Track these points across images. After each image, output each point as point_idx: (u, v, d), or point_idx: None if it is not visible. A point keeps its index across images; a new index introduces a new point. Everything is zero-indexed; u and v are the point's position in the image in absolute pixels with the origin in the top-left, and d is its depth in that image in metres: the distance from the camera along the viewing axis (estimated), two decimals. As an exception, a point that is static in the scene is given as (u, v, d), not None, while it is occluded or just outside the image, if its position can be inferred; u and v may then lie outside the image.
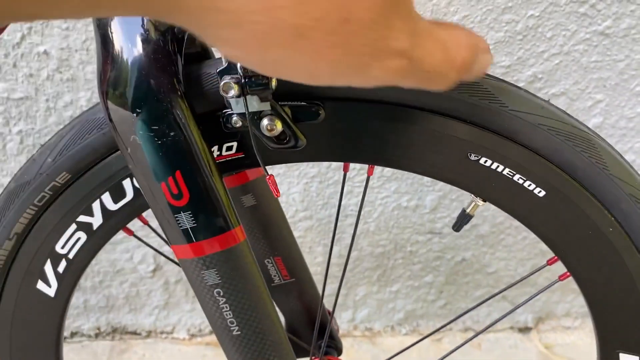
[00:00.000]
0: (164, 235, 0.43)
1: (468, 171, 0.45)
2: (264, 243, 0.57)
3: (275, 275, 0.60)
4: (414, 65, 0.26)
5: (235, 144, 0.45)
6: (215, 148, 0.45)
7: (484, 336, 1.19)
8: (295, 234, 1.02)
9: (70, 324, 1.07)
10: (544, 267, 0.53)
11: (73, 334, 1.09)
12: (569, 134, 0.44)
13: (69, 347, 1.08)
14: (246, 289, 0.44)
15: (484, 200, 0.47)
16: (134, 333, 1.10)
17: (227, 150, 0.45)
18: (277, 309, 0.60)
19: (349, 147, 0.45)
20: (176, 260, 0.44)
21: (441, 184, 0.99)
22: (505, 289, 0.63)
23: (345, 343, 1.14)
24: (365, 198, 1.00)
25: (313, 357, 0.62)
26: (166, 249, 0.57)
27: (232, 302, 0.44)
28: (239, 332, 0.45)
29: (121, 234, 0.97)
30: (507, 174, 0.45)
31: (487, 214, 1.04)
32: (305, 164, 0.94)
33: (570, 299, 1.19)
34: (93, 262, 1.01)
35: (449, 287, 1.14)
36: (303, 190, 0.97)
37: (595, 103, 0.93)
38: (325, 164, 0.94)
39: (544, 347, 1.18)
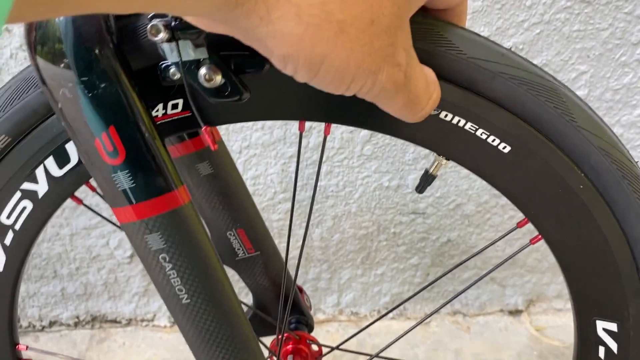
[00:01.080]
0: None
1: (427, 126, 0.42)
2: (224, 214, 0.55)
3: (239, 249, 0.57)
4: (406, 82, 0.30)
5: (180, 101, 0.42)
6: (159, 106, 0.42)
7: (473, 319, 1.17)
8: (275, 216, 1.00)
9: (48, 313, 1.05)
10: (513, 229, 0.51)
11: (52, 323, 1.06)
12: (533, 83, 0.41)
13: (48, 336, 1.06)
14: (193, 253, 0.41)
15: (447, 159, 0.45)
16: (114, 321, 1.07)
17: (172, 109, 0.43)
18: (241, 282, 0.58)
19: (301, 104, 0.43)
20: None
21: (422, 162, 0.97)
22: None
23: (331, 328, 1.12)
24: (346, 178, 0.97)
25: (283, 334, 0.60)
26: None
27: (179, 268, 0.41)
28: (188, 300, 0.42)
29: (96, 218, 0.95)
30: (469, 128, 0.43)
31: (472, 192, 1.02)
32: (282, 143, 0.92)
33: (561, 280, 1.17)
34: (68, 248, 0.99)
35: (435, 269, 1.11)
36: (281, 171, 0.94)
37: (579, 75, 0.90)
38: (303, 143, 0.92)
39: (535, 330, 1.16)
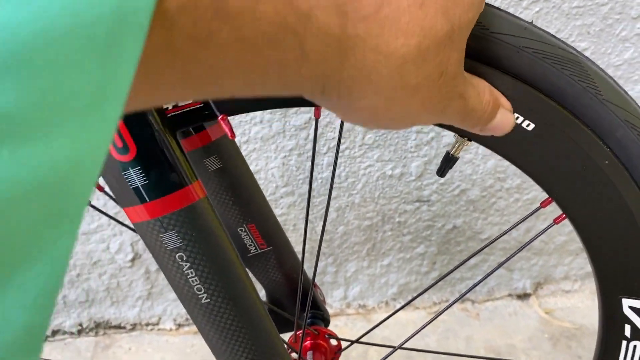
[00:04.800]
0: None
1: (448, 106, 0.41)
2: (235, 210, 0.53)
3: (250, 245, 0.55)
4: (467, 105, 0.31)
5: (189, 93, 0.40)
6: (168, 99, 0.40)
7: (482, 305, 1.16)
8: (278, 211, 0.98)
9: (51, 322, 1.02)
10: (537, 210, 0.49)
11: (54, 332, 1.04)
12: (557, 56, 0.40)
13: (51, 345, 1.03)
14: (211, 251, 0.40)
15: (469, 140, 0.43)
16: (118, 327, 1.05)
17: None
18: (254, 279, 0.57)
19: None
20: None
21: (425, 148, 0.95)
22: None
23: (339, 322, 1.11)
24: (348, 169, 0.96)
25: (299, 329, 0.58)
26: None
27: (197, 266, 0.39)
28: (207, 300, 0.41)
29: (95, 223, 0.92)
30: (492, 107, 0.41)
31: (476, 177, 1.00)
32: (281, 137, 0.90)
33: (569, 262, 1.16)
34: (68, 255, 0.96)
35: (441, 257, 1.10)
36: (282, 164, 0.92)
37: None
38: (303, 135, 0.90)
39: (544, 313, 1.15)
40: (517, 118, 0.41)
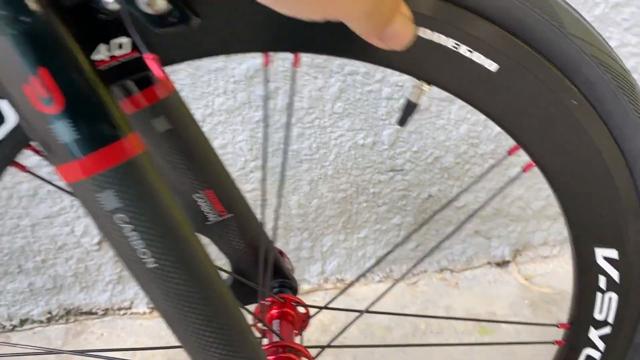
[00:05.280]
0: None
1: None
2: (189, 175, 0.50)
3: (209, 212, 0.53)
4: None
5: (125, 40, 0.37)
6: (102, 48, 0.37)
7: (461, 274, 1.14)
8: (248, 186, 0.96)
9: (18, 311, 0.99)
10: (504, 158, 0.47)
11: (23, 322, 1.00)
12: (516, -12, 0.37)
13: (20, 335, 1.00)
14: (154, 211, 0.37)
15: (429, 84, 0.41)
16: (89, 313, 1.02)
17: (118, 49, 0.37)
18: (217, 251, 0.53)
19: (265, 32, 0.38)
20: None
21: (396, 116, 0.93)
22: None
23: (317, 297, 1.09)
24: (319, 139, 0.93)
25: (266, 298, 0.56)
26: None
27: (140, 228, 0.36)
28: (155, 265, 0.38)
29: (57, 205, 0.88)
30: (452, 46, 0.39)
31: (449, 144, 0.98)
32: (247, 108, 0.86)
33: (547, 227, 1.15)
34: (31, 240, 0.92)
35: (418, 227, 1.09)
36: (250, 137, 0.89)
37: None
38: (270, 105, 0.87)
39: (523, 279, 1.15)
40: (479, 57, 0.39)
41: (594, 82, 0.40)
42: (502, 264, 1.17)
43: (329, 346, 0.54)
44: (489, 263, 1.16)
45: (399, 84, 0.90)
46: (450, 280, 1.13)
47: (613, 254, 0.48)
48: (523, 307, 1.07)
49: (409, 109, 0.42)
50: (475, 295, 1.10)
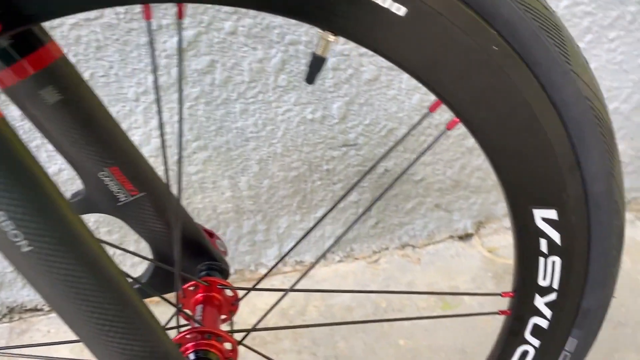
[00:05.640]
0: None
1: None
2: (89, 151, 0.45)
3: (118, 192, 0.48)
4: None
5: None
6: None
7: (423, 250, 1.12)
8: (193, 168, 0.91)
9: (-44, 312, 0.93)
10: (426, 115, 0.43)
11: (-37, 323, 0.95)
12: None
13: (-40, 338, 0.94)
14: (22, 187, 0.32)
15: (335, 34, 0.37)
16: (34, 310, 0.97)
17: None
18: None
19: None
20: None
21: (345, 87, 0.89)
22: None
23: (276, 281, 1.05)
24: (265, 115, 0.88)
25: (194, 282, 0.52)
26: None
27: (7, 207, 0.32)
28: (30, 248, 0.33)
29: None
30: (352, -11, 0.34)
31: (402, 115, 0.95)
32: (183, 83, 0.81)
33: (507, 197, 1.12)
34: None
35: (377, 204, 1.05)
36: (189, 116, 0.84)
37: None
38: (207, 80, 0.82)
39: (487, 252, 1.12)
40: (385, 1, 0.35)
41: (514, 23, 0.36)
42: (465, 237, 1.14)
43: (254, 329, 0.51)
44: (451, 237, 1.14)
45: (344, 53, 0.86)
46: (412, 257, 1.10)
47: (552, 214, 0.45)
48: (486, 280, 1.05)
49: (316, 63, 0.38)
50: (437, 271, 1.07)
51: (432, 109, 0.42)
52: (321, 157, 0.96)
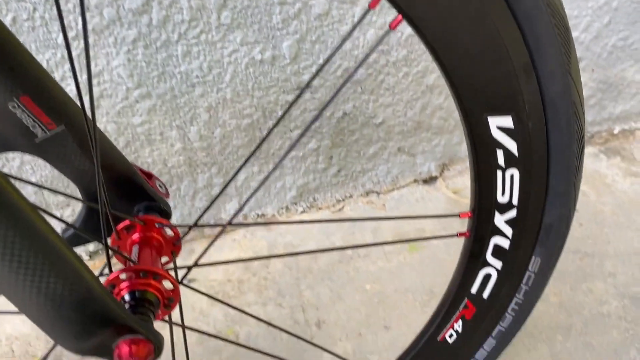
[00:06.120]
0: None
1: None
2: (-9, 77, 0.40)
3: (34, 126, 0.43)
4: None
5: None
6: None
7: (387, 195, 1.09)
8: (138, 119, 0.85)
9: None
10: (366, 12, 0.39)
11: None
12: None
13: None
14: None
15: None
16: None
17: None
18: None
19: None
20: None
21: (294, 23, 0.84)
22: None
23: (237, 235, 1.01)
24: (210, 57, 0.83)
25: (127, 222, 0.47)
26: None
27: None
28: None
29: None
30: None
31: (357, 52, 0.90)
32: (118, 25, 0.75)
33: (470, 137, 1.10)
34: None
35: (337, 151, 1.01)
36: (127, 61, 0.79)
37: None
38: (144, 21, 0.76)
39: (452, 193, 1.10)
40: None
41: None
42: (429, 180, 1.12)
43: (195, 265, 0.47)
44: (415, 181, 1.11)
45: (291, -13, 0.80)
46: (376, 203, 1.08)
47: (508, 122, 0.42)
48: (452, 221, 1.03)
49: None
50: (403, 215, 1.05)
51: (372, 5, 0.37)
52: (275, 102, 0.91)
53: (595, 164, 1.15)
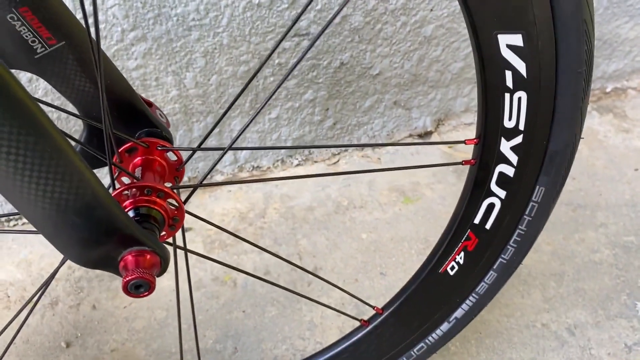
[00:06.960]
0: None
1: None
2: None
3: (34, 41, 0.42)
4: None
5: None
6: None
7: (383, 150, 1.09)
8: (132, 63, 0.84)
9: None
10: None
11: None
12: None
13: None
14: None
15: None
16: (-28, 229, 0.90)
17: None
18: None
19: None
20: None
21: (293, -35, 0.82)
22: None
23: (233, 188, 1.01)
24: (206, 0, 0.81)
25: (130, 144, 0.47)
26: None
27: None
28: None
29: None
30: None
31: (360, 2, 0.89)
32: (114, -38, 0.73)
33: (468, 91, 1.10)
34: None
35: (334, 102, 1.01)
36: (122, 1, 0.77)
37: None
38: (140, -43, 0.74)
39: (447, 147, 1.10)
40: None
41: None
42: (425, 135, 1.12)
43: (200, 185, 0.46)
44: (410, 136, 1.11)
45: None
46: (372, 157, 1.07)
47: (518, 40, 0.41)
48: (447, 174, 1.03)
49: None
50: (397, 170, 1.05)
51: None
52: (272, 49, 0.89)
53: (587, 121, 1.16)
